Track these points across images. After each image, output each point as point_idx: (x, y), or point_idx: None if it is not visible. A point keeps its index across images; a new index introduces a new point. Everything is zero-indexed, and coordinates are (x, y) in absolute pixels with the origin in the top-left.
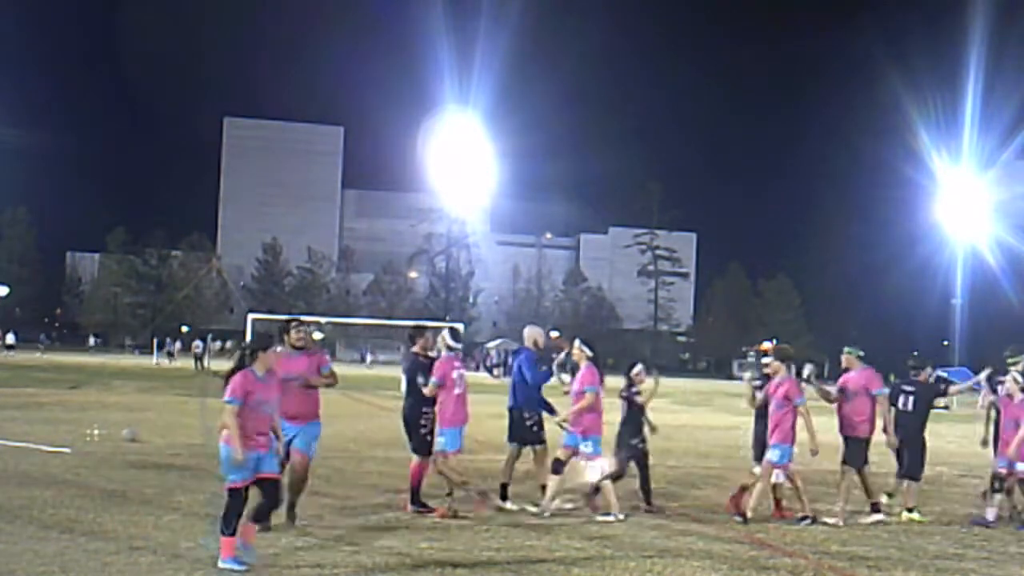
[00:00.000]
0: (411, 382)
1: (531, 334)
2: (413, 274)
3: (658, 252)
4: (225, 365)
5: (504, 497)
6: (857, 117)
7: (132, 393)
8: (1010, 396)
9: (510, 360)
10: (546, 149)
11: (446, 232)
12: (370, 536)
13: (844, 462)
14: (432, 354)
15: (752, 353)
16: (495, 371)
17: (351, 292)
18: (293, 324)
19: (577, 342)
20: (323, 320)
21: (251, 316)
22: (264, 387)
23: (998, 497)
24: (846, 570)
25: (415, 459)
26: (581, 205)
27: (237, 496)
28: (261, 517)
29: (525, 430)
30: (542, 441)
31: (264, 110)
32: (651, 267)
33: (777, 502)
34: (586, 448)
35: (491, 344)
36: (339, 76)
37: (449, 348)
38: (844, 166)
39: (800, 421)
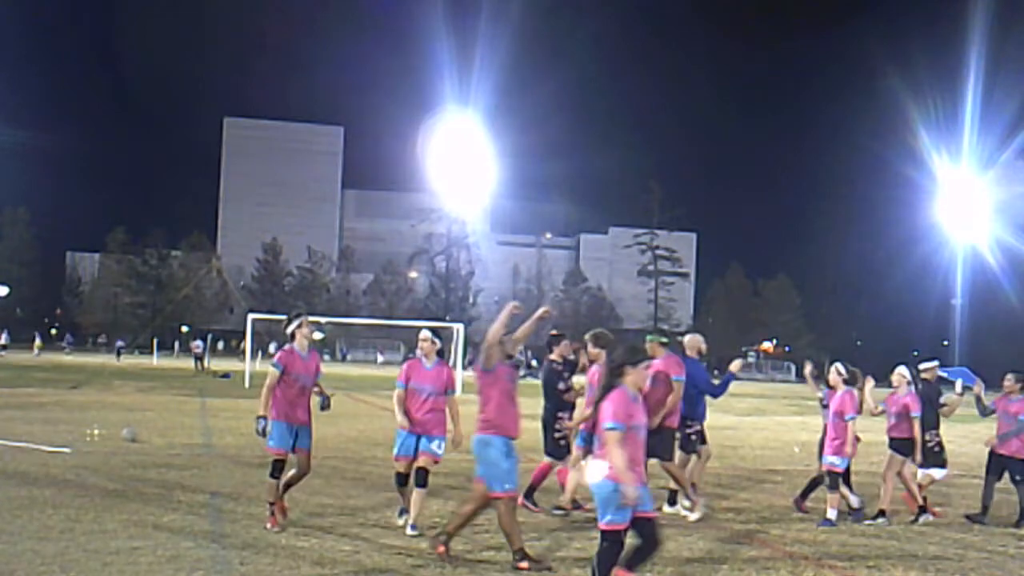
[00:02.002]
0: (549, 388)
1: (694, 343)
2: (413, 274)
3: (658, 252)
4: (224, 365)
5: (672, 502)
6: (857, 117)
7: (132, 393)
8: (833, 389)
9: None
10: (546, 149)
11: (446, 232)
12: (370, 536)
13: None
14: (571, 358)
15: (752, 353)
16: None
17: (351, 292)
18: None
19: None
20: (323, 320)
21: (251, 316)
22: (639, 410)
23: (834, 494)
24: (846, 570)
25: (545, 460)
26: (581, 205)
27: (616, 539)
28: (636, 565)
29: (683, 438)
30: (696, 450)
31: (264, 110)
32: (651, 267)
33: (915, 497)
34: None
35: None
36: (339, 76)
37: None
38: (844, 166)
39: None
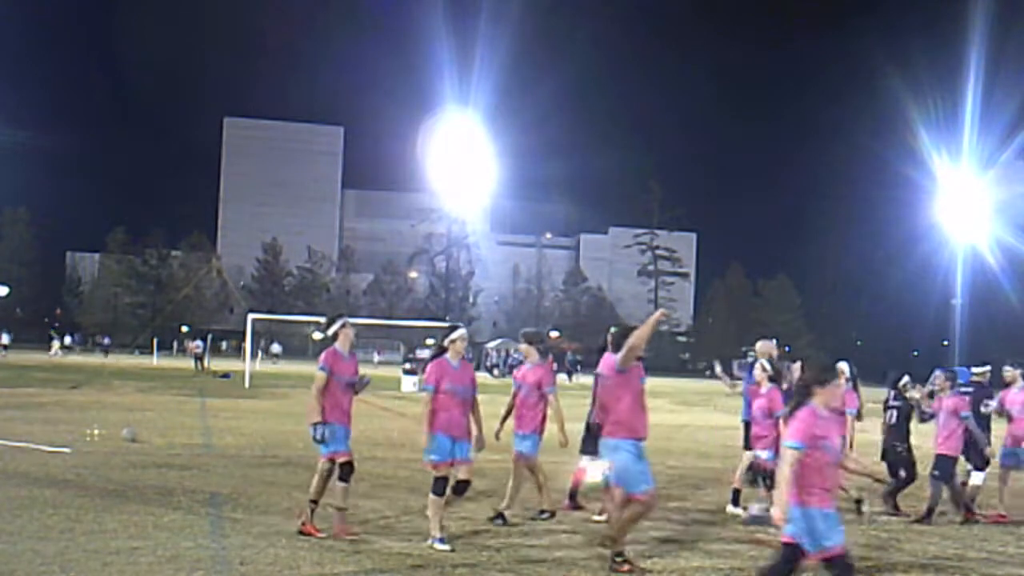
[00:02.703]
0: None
1: (765, 348)
2: (413, 274)
3: (658, 252)
4: (224, 365)
5: (735, 502)
6: (857, 117)
7: (132, 393)
8: (758, 385)
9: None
10: (546, 149)
11: (446, 232)
12: (370, 536)
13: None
14: None
15: (752, 354)
16: (495, 371)
17: (351, 292)
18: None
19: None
20: (323, 320)
21: (251, 316)
22: (829, 428)
23: (760, 490)
24: None
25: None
26: (581, 205)
27: (846, 565)
28: None
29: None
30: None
31: (264, 110)
32: (651, 267)
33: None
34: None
35: (491, 344)
36: (339, 76)
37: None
38: (844, 166)
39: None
